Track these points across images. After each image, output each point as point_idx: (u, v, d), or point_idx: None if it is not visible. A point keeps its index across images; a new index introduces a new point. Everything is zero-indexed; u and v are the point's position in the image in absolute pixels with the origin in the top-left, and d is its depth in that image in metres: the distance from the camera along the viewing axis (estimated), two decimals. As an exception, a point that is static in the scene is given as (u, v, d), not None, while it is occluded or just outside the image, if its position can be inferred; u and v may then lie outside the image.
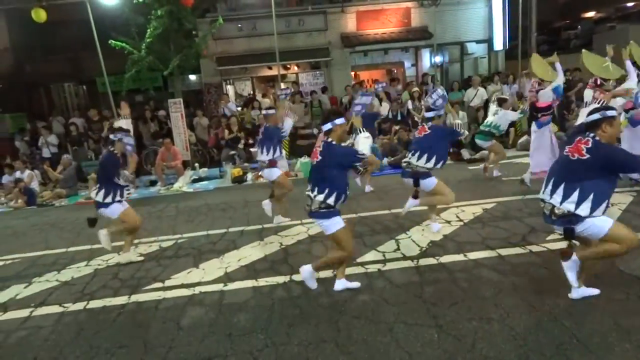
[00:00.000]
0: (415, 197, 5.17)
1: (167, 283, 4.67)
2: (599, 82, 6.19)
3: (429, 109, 5.41)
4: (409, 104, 11.48)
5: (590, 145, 3.34)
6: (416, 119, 11.31)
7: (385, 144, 10.34)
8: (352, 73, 16.58)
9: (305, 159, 10.18)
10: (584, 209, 3.33)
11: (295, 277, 4.49)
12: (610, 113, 3.42)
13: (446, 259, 4.61)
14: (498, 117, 7.57)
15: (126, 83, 12.97)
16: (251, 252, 5.33)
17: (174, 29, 12.33)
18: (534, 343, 3.12)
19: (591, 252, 3.55)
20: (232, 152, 11.13)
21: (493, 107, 7.94)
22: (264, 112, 6.39)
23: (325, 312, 3.78)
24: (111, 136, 5.28)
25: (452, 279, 4.16)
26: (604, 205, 3.33)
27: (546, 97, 6.85)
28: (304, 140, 11.95)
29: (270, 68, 15.57)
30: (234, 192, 9.05)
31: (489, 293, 3.85)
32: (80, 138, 12.63)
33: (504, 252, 4.65)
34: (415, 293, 3.96)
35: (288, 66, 16.19)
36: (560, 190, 3.43)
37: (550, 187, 3.52)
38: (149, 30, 11.89)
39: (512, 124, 8.33)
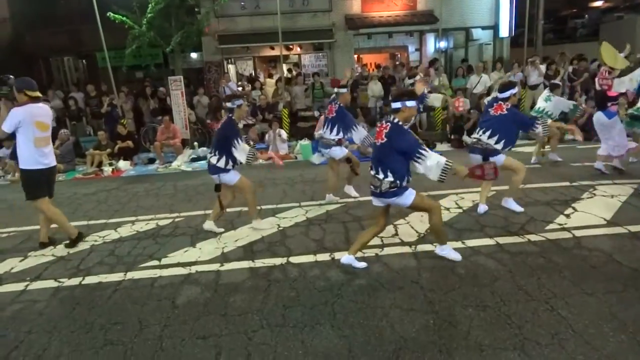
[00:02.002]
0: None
1: (164, 261, 4.66)
2: None
3: (503, 88, 5.35)
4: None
5: None
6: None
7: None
8: (355, 56, 16.38)
9: (305, 141, 10.11)
10: None
11: (292, 260, 4.47)
12: None
13: (444, 245, 4.59)
14: (552, 104, 7.35)
15: (127, 59, 12.80)
16: (248, 233, 5.30)
17: (175, 5, 12.13)
18: (530, 332, 3.11)
19: None
20: (232, 132, 11.03)
21: (545, 92, 7.76)
22: (336, 90, 6.36)
23: (322, 295, 3.76)
24: (229, 104, 5.21)
25: (449, 266, 4.15)
26: None
27: (619, 86, 6.74)
28: (304, 123, 11.86)
29: (272, 48, 15.38)
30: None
31: (486, 280, 3.84)
32: (79, 113, 12.52)
33: (502, 240, 4.63)
34: (412, 278, 3.95)
35: (291, 47, 15.98)
36: None
37: None
38: (150, 4, 11.68)
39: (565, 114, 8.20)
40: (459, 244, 4.59)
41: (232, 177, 5.21)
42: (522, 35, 13.75)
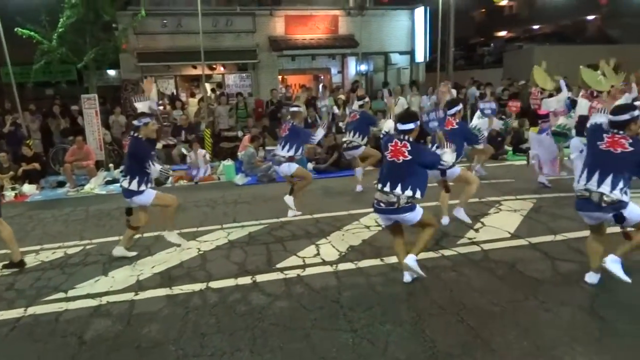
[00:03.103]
0: (447, 190, 5.31)
1: (71, 293, 4.33)
2: (595, 94, 6.78)
3: (450, 105, 5.71)
4: (335, 110, 11.65)
5: (630, 140, 3.78)
6: (340, 124, 11.50)
7: (310, 149, 10.40)
8: (280, 77, 16.56)
9: (228, 162, 9.96)
10: (627, 195, 3.74)
11: (212, 284, 4.35)
12: (636, 113, 3.87)
13: (364, 263, 4.70)
14: (483, 122, 7.76)
15: (34, 74, 11.93)
16: (166, 259, 5.09)
17: (90, 20, 11.56)
18: (442, 344, 3.25)
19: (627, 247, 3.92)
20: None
21: (478, 113, 8.23)
22: (291, 109, 6.57)
23: (242, 320, 3.69)
24: (135, 122, 5.00)
25: (369, 283, 4.25)
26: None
27: (547, 106, 7.57)
28: (228, 143, 11.70)
29: (195, 67, 15.11)
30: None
31: (403, 296, 3.98)
32: (-23, 133, 11.42)
33: (418, 256, 4.80)
34: (332, 298, 4.00)
35: (214, 66, 15.83)
36: (608, 180, 3.75)
37: (596, 177, 3.81)
38: (61, 19, 11.04)
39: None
40: (377, 261, 4.72)
41: (147, 198, 5.03)
42: (436, 61, 14.69)
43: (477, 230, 5.55)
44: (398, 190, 4.02)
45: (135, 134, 4.96)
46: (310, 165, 9.90)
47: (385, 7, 15.85)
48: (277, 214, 6.52)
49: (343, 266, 4.66)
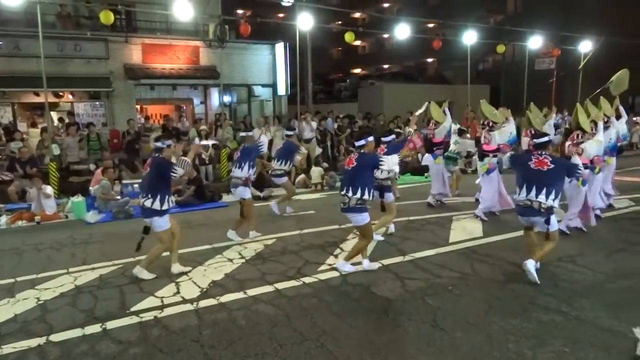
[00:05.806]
0: (383, 209, 6.19)
1: None
2: (490, 124, 7.71)
3: (386, 135, 6.43)
4: (197, 141, 11.42)
5: (550, 159, 4.89)
6: (203, 156, 11.30)
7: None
8: (138, 106, 15.75)
9: (78, 198, 9.02)
10: (557, 202, 4.85)
11: (53, 338, 3.88)
12: (552, 137, 5.29)
13: (226, 298, 4.62)
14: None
15: None
16: (-4, 314, 4.41)
17: None
18: (303, 371, 3.32)
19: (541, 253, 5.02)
20: (-20, 191, 9.21)
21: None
22: (242, 134, 7.42)
23: (88, 374, 3.35)
24: (158, 144, 5.24)
25: (231, 318, 4.18)
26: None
27: (439, 135, 8.44)
28: (77, 177, 10.66)
29: (37, 94, 13.63)
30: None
31: (265, 327, 3.98)
32: None
33: (280, 285, 4.89)
34: (192, 338, 3.84)
35: (61, 94, 14.46)
36: (544, 192, 4.76)
37: (534, 190, 4.80)
38: None
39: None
40: (240, 294, 4.68)
41: (162, 224, 5.15)
42: (297, 94, 15.36)
43: (336, 257, 5.81)
44: (350, 192, 4.97)
45: (159, 155, 5.20)
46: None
47: (246, 41, 16.15)
48: (133, 252, 6.08)
49: (204, 303, 4.51)
